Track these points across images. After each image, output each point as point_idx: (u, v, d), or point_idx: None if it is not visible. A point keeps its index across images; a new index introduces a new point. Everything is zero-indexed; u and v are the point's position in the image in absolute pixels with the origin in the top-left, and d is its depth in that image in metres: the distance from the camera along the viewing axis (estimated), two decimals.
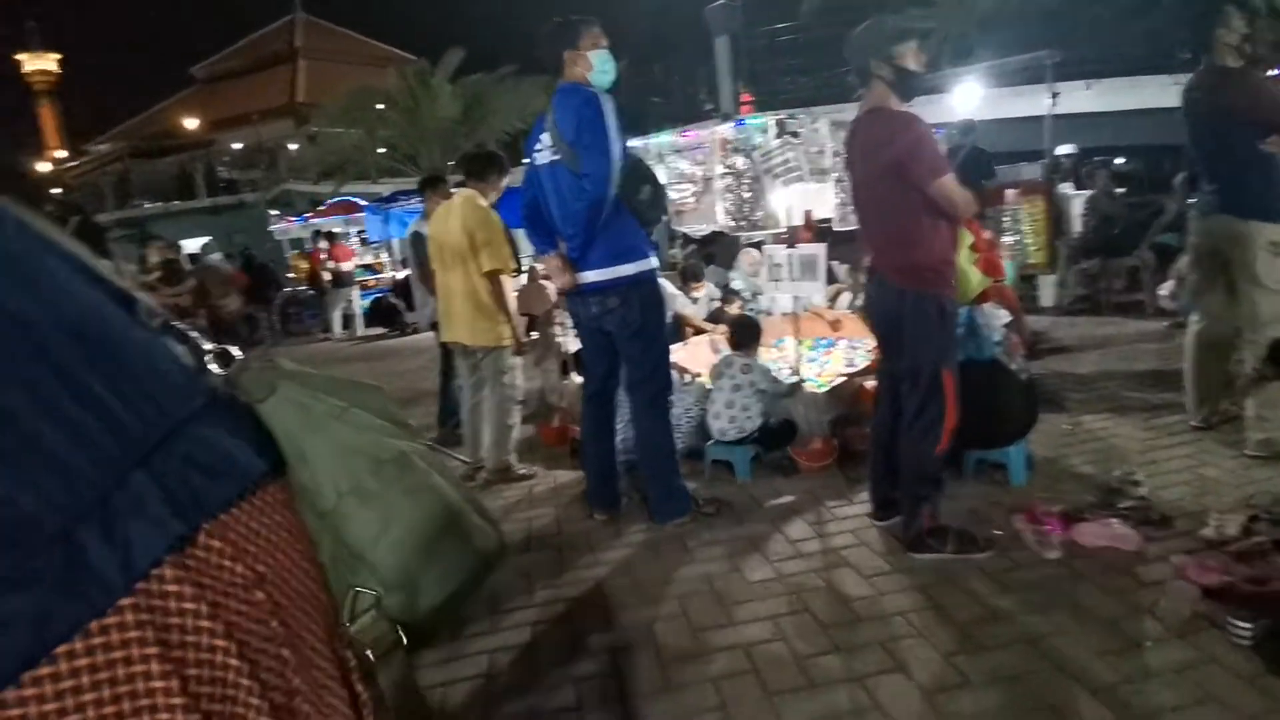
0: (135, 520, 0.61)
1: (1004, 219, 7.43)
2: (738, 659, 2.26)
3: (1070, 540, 2.69)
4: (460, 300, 3.91)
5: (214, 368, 0.76)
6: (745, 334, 4.07)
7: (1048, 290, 7.59)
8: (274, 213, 16.64)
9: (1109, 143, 11.54)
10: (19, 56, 46.83)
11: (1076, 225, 7.62)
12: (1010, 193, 7.46)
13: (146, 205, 22.38)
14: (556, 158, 3.02)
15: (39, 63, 46.80)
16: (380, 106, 15.28)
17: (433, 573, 0.85)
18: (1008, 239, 7.37)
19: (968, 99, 8.41)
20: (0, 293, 0.61)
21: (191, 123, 28.84)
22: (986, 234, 3.75)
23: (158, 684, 0.59)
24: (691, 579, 2.78)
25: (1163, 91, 10.10)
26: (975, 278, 3.03)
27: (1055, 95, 7.89)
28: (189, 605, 0.62)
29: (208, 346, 0.77)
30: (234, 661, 0.63)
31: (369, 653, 0.78)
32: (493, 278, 3.82)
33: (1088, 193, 7.69)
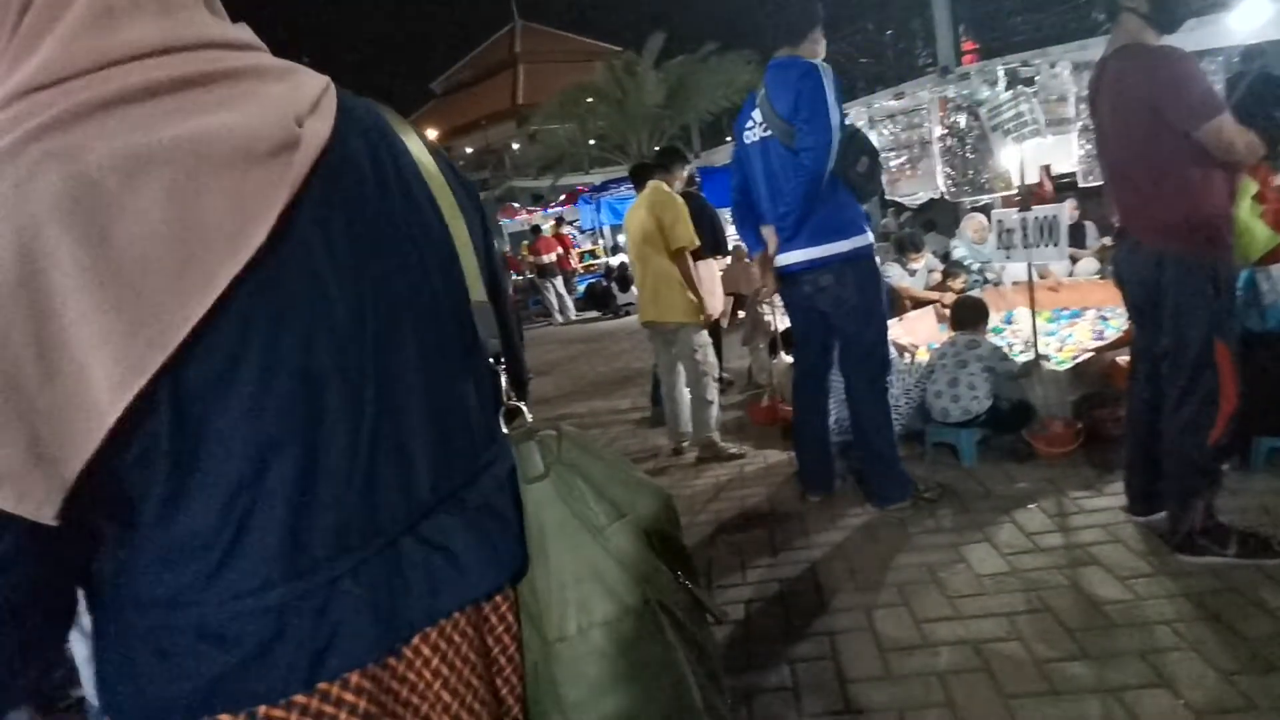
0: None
1: None
2: (966, 655, 2.13)
3: None
4: (652, 280, 4.07)
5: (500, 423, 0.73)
6: (968, 314, 3.77)
7: None
8: (514, 205, 18.23)
9: None
10: None
11: None
12: None
13: None
14: (768, 134, 2.99)
15: None
16: (590, 100, 16.04)
17: None
18: None
19: (1252, 16, 6.99)
20: None
21: (432, 133, 32.25)
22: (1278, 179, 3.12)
23: None
24: (912, 567, 2.66)
25: None
26: (1262, 234, 2.54)
27: None
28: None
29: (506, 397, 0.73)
30: None
31: None
32: (679, 255, 3.93)
33: None
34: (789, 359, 4.12)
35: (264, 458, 0.57)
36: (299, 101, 0.61)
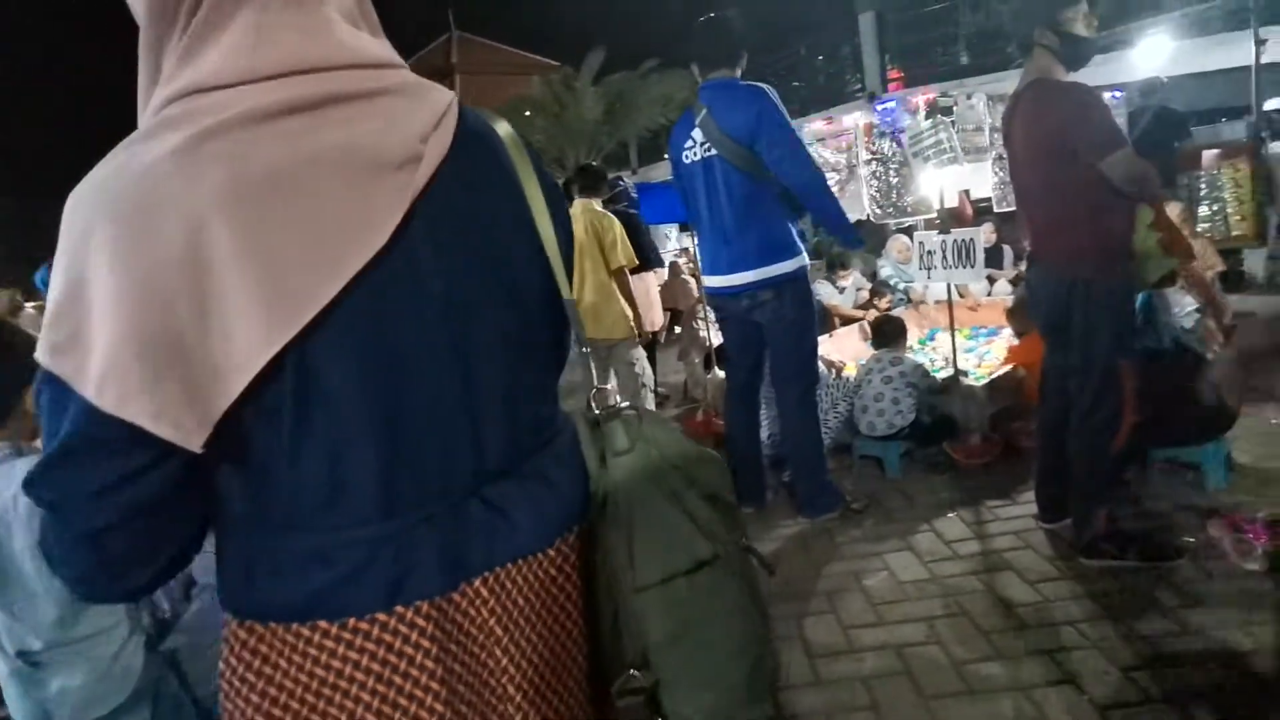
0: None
1: (1200, 186, 6.62)
2: (890, 659, 2.21)
3: (1277, 550, 2.39)
4: (591, 298, 4.09)
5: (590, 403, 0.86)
6: (888, 332, 3.93)
7: (1256, 266, 6.68)
8: None
9: None
10: None
11: None
12: (1209, 155, 6.62)
13: None
14: (711, 154, 3.03)
15: None
16: (528, 113, 16.01)
17: (708, 694, 0.78)
18: (1204, 209, 6.56)
19: (1153, 54, 7.54)
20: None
21: None
22: (1174, 207, 3.38)
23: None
24: (840, 575, 2.74)
25: None
26: (1158, 259, 2.74)
27: (1262, 42, 6.91)
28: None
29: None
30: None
31: None
32: (619, 273, 3.97)
33: None
34: (722, 374, 4.20)
35: (363, 420, 0.69)
36: (425, 119, 0.72)
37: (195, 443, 0.62)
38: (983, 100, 3.90)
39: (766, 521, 3.30)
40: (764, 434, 3.49)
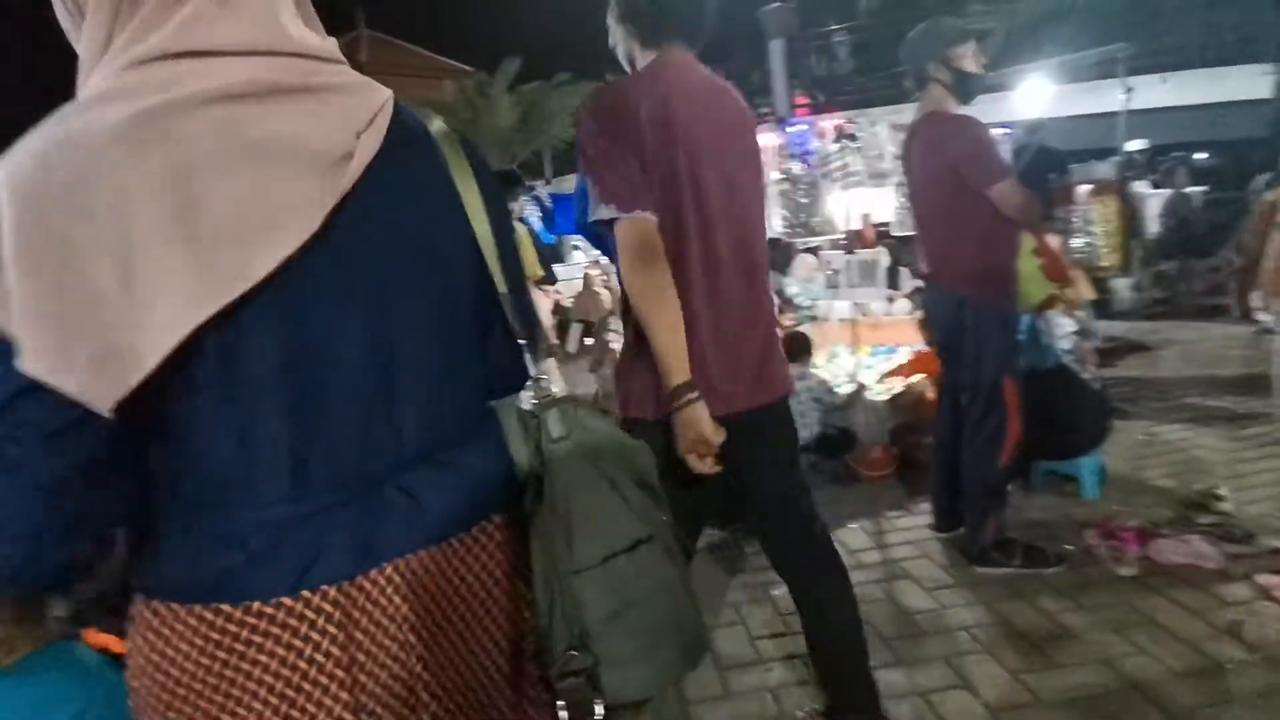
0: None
1: (1074, 219, 7.17)
2: (796, 669, 2.24)
3: (1147, 557, 2.59)
4: None
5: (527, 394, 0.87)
6: (794, 348, 4.03)
7: (1122, 293, 7.29)
8: None
9: (1188, 138, 11.00)
10: None
11: (1153, 225, 7.29)
12: (1081, 191, 7.19)
13: None
14: None
15: None
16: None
17: (646, 668, 0.82)
18: (1077, 240, 7.11)
19: (1035, 96, 8.14)
20: None
21: None
22: (1052, 236, 3.63)
23: None
24: (749, 586, 2.77)
25: (1250, 82, 9.60)
26: (1039, 284, 2.94)
27: (1129, 90, 7.58)
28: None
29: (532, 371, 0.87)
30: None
31: (564, 713, 0.81)
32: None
33: (1165, 191, 7.35)
34: None
35: (278, 402, 0.70)
36: (361, 116, 0.73)
37: (103, 406, 0.62)
38: (885, 128, 4.09)
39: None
40: None
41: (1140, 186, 7.76)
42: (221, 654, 0.70)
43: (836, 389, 3.94)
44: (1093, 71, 8.99)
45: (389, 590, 0.75)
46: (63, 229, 0.60)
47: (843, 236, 4.16)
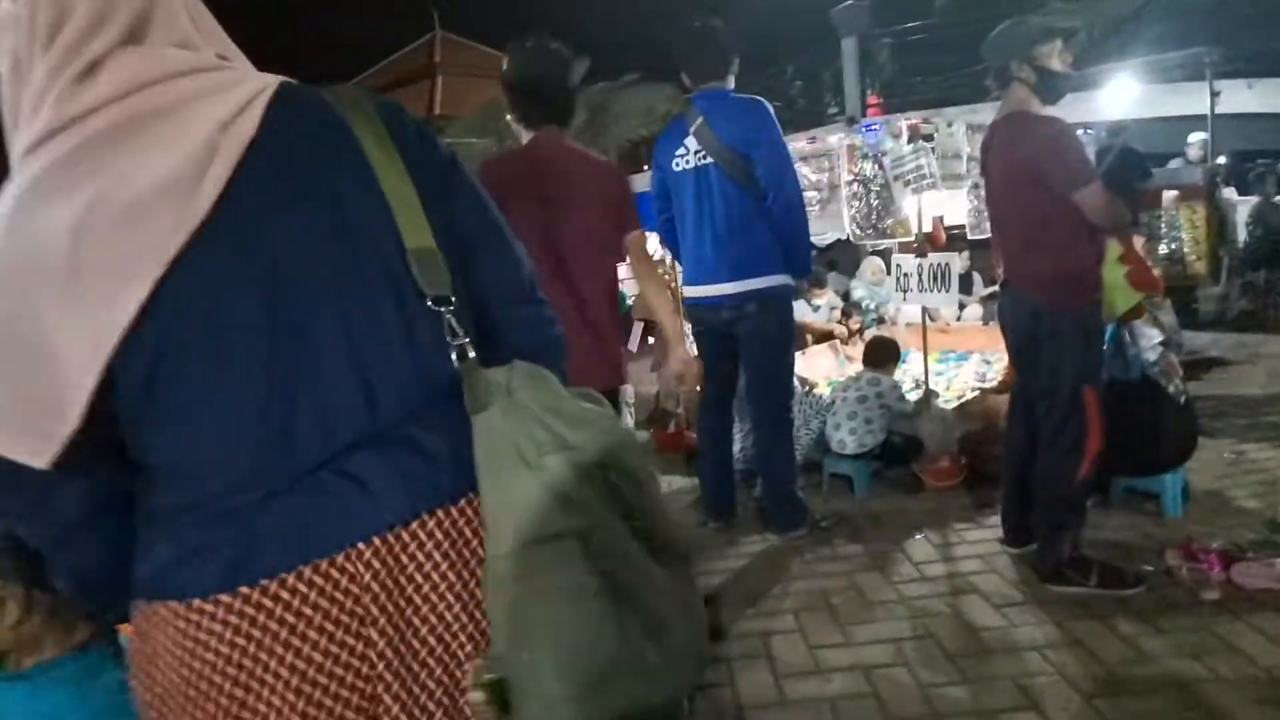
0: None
1: (1160, 225, 6.83)
2: (856, 680, 2.20)
3: (1230, 580, 2.45)
4: None
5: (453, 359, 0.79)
6: (883, 353, 3.97)
7: (1209, 304, 6.92)
8: None
9: (1274, 146, 10.36)
10: None
11: (1242, 234, 6.90)
12: (1168, 196, 6.85)
13: None
14: (706, 162, 3.01)
15: None
16: (509, 118, 15.90)
17: (531, 699, 0.70)
18: (1162, 248, 6.78)
19: (1120, 97, 7.80)
20: None
21: None
22: (1138, 241, 3.47)
23: None
24: (807, 593, 2.74)
25: None
26: (1125, 293, 2.81)
27: (1217, 93, 7.18)
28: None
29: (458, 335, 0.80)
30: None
31: None
32: None
33: (1253, 199, 6.95)
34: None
35: (193, 411, 0.72)
36: (226, 112, 0.73)
37: (41, 462, 0.68)
38: (962, 128, 3.98)
39: (734, 537, 3.29)
40: (735, 448, 3.49)
41: (1229, 194, 7.35)
42: (175, 649, 0.71)
43: (910, 401, 3.85)
44: (1179, 73, 8.56)
45: (344, 581, 0.72)
46: None
47: (913, 240, 4.07)
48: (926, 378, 3.83)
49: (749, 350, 3.15)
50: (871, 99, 8.38)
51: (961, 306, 5.79)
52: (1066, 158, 2.46)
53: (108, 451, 0.74)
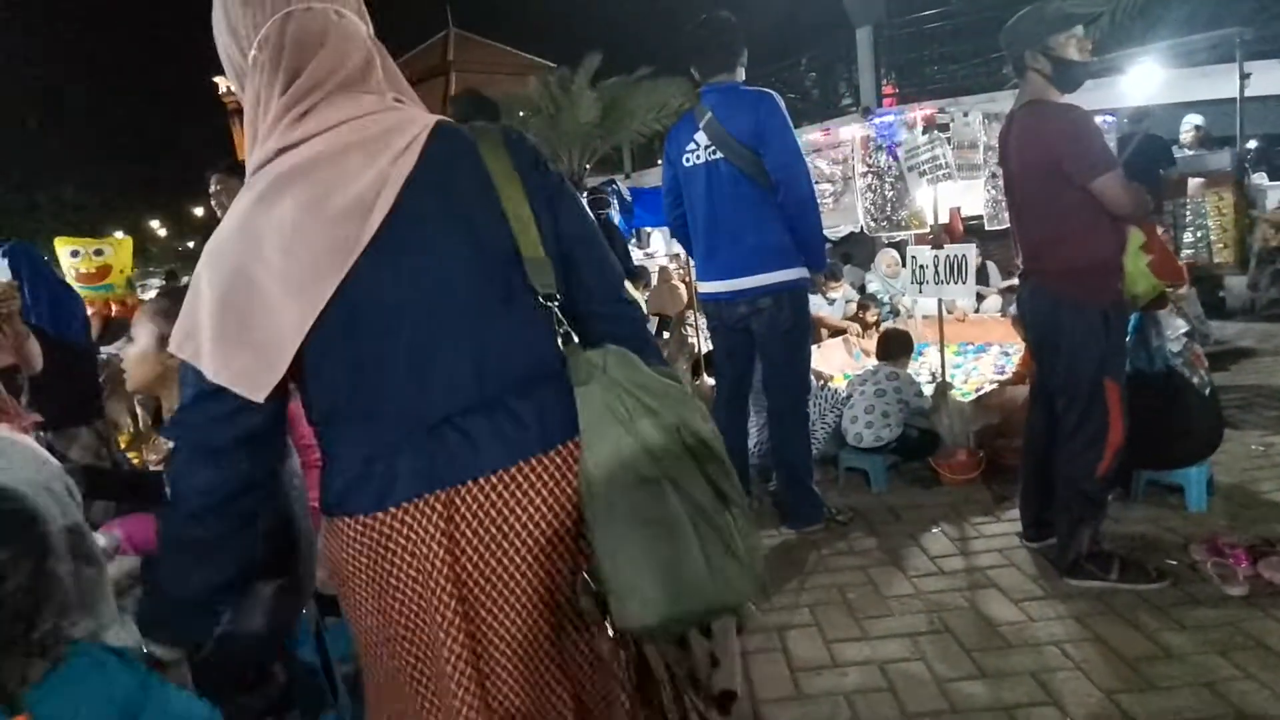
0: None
1: (1185, 213, 6.69)
2: (873, 675, 2.19)
3: (1257, 575, 2.40)
4: None
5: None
6: (896, 346, 3.93)
7: (1236, 293, 6.77)
8: None
9: None
10: (215, 79, 52.86)
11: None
12: (1194, 183, 6.70)
13: None
14: (716, 157, 3.00)
15: (230, 84, 52.62)
16: (522, 114, 15.93)
17: (630, 604, 0.91)
18: (1188, 235, 6.64)
19: (1144, 82, 7.63)
20: None
21: None
22: (1162, 231, 3.40)
23: None
24: (824, 588, 2.72)
25: None
26: (1148, 282, 2.75)
27: (1247, 76, 7.00)
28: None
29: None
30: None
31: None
32: None
33: None
34: (711, 381, 4.18)
35: (356, 370, 0.97)
36: (396, 148, 0.97)
37: (259, 396, 0.94)
38: (979, 118, 3.92)
39: None
40: (750, 442, 3.47)
41: (1258, 179, 7.18)
42: (350, 554, 1.00)
43: (926, 395, 3.81)
44: (1207, 56, 8.37)
45: (460, 508, 0.96)
46: (218, 283, 0.94)
47: (929, 231, 4.01)
48: (943, 370, 3.79)
49: (765, 345, 3.13)
50: (887, 88, 8.29)
51: (980, 298, 5.72)
52: (1084, 147, 2.42)
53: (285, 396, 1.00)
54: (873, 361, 4.17)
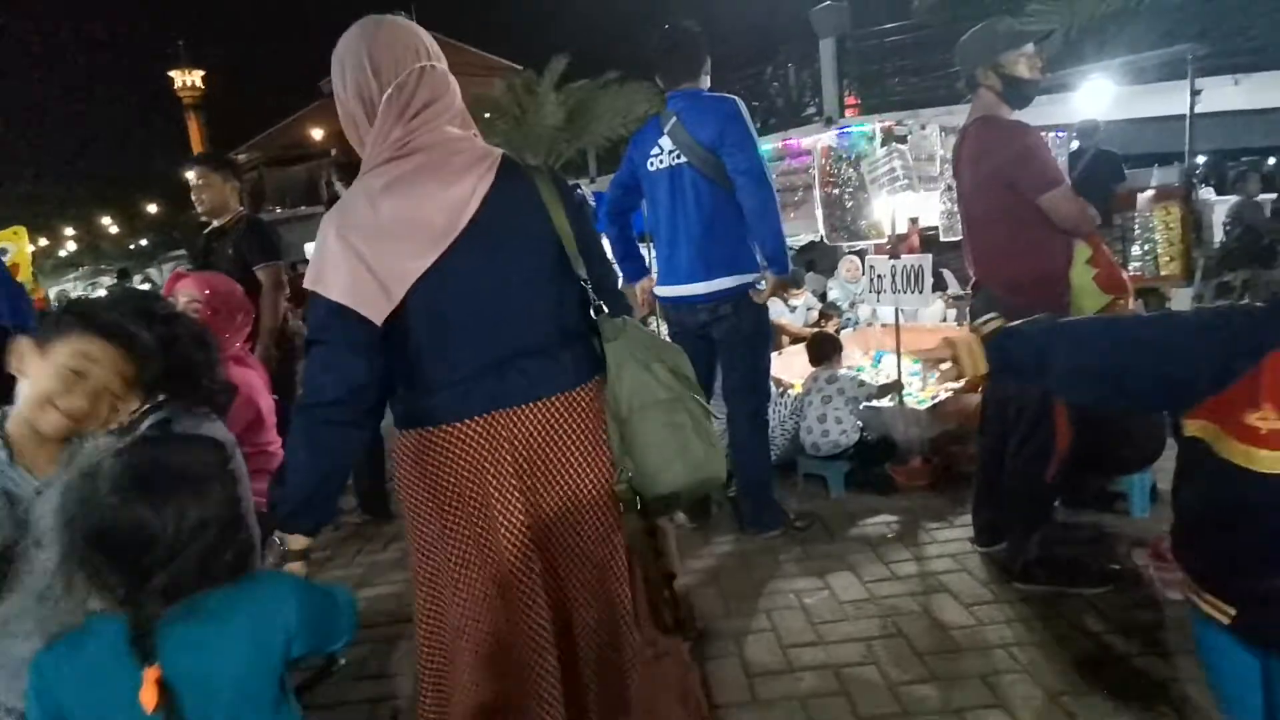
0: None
1: (1134, 226, 6.91)
2: (827, 679, 2.21)
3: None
4: None
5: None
6: (825, 348, 3.98)
7: (1182, 305, 7.01)
8: None
9: (1260, 143, 10.48)
10: (171, 73, 51.53)
11: (1218, 234, 6.99)
12: (1142, 197, 6.92)
13: (278, 210, 24.03)
14: (680, 161, 3.02)
15: (187, 78, 51.41)
16: (487, 115, 15.83)
17: (665, 477, 1.40)
18: (1136, 248, 6.86)
19: (1097, 98, 7.86)
20: None
21: (318, 133, 30.78)
22: (1109, 245, 3.50)
23: None
24: (781, 593, 2.74)
25: None
26: (1094, 294, 2.83)
27: (1198, 92, 7.25)
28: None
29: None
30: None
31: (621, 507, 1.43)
32: None
33: (1231, 199, 7.03)
34: None
35: (442, 319, 1.36)
36: (479, 171, 1.37)
37: (378, 318, 1.31)
38: (936, 131, 4.01)
39: (709, 536, 3.29)
40: None
41: (1206, 194, 7.45)
42: (433, 455, 1.38)
43: (869, 382, 3.87)
44: (1160, 73, 8.66)
45: (515, 423, 1.37)
46: (348, 233, 1.32)
47: (888, 241, 4.09)
48: (899, 376, 3.85)
49: (726, 350, 3.14)
50: (850, 99, 8.42)
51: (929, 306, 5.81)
52: (1032, 163, 2.48)
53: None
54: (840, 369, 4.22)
